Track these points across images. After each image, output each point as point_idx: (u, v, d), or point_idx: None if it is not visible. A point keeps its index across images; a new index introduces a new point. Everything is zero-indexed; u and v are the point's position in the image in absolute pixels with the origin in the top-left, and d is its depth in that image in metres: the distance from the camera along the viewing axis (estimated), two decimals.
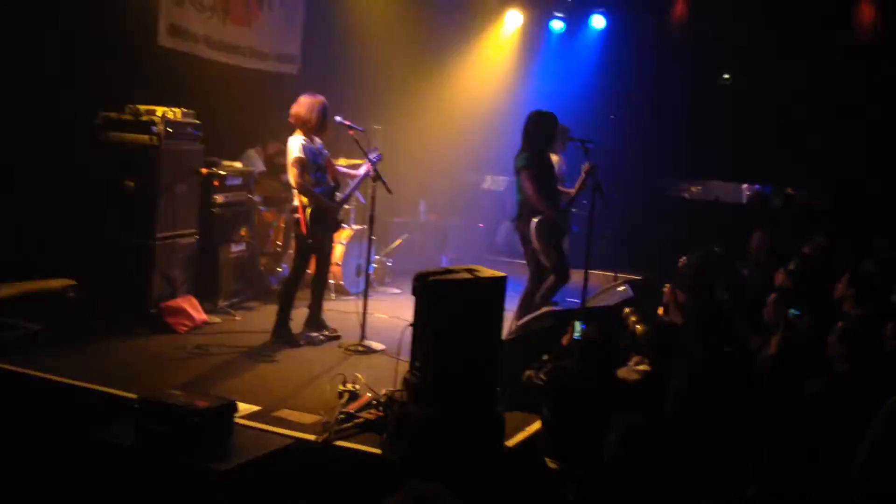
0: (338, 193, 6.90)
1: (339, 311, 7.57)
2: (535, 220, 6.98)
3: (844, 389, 3.95)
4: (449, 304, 4.62)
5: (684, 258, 6.59)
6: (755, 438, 2.83)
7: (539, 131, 7.08)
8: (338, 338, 6.86)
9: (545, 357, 5.11)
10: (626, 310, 5.91)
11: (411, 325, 4.85)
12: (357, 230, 8.61)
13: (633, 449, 3.67)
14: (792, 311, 4.76)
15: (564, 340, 5.15)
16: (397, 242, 9.58)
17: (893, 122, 10.53)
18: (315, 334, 6.82)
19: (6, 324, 6.33)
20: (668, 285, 6.18)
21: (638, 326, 5.81)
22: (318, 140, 6.72)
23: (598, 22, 12.27)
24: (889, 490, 3.29)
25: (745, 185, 13.47)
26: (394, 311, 7.77)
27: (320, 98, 6.68)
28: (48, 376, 5.37)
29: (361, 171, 6.92)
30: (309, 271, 6.97)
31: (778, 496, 2.78)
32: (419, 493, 2.18)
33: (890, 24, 10.91)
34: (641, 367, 4.86)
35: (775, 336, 5.06)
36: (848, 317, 4.85)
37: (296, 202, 6.65)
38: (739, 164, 12.20)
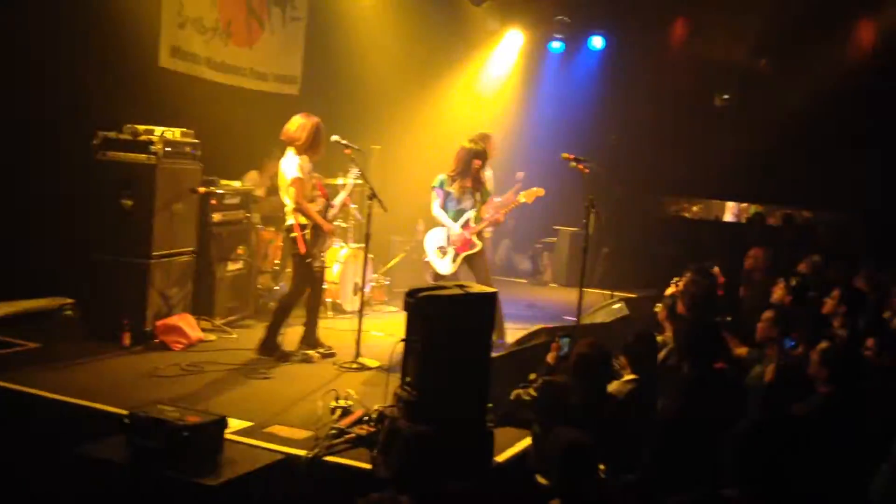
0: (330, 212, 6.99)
1: (336, 329, 7.59)
2: None
3: (827, 412, 3.96)
4: (438, 320, 4.64)
5: (678, 278, 6.62)
6: (740, 445, 2.87)
7: None
8: (333, 355, 6.88)
9: (532, 377, 5.12)
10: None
11: (403, 340, 4.88)
12: (355, 248, 8.65)
13: (573, 464, 3.69)
14: (787, 341, 4.77)
15: (550, 358, 5.15)
16: (395, 260, 9.61)
17: (889, 140, 10.59)
18: (311, 352, 6.83)
19: (3, 341, 6.39)
20: (660, 304, 6.21)
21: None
22: (308, 160, 6.78)
23: (596, 42, 12.37)
24: None
25: (744, 205, 13.53)
26: (390, 329, 7.79)
27: (315, 119, 6.75)
28: (43, 393, 5.40)
29: (341, 195, 7.06)
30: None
31: (755, 500, 2.79)
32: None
33: (886, 42, 10.99)
34: (629, 377, 4.87)
35: (771, 365, 5.03)
36: (832, 337, 4.87)
37: (290, 221, 6.69)
38: (739, 184, 12.25)
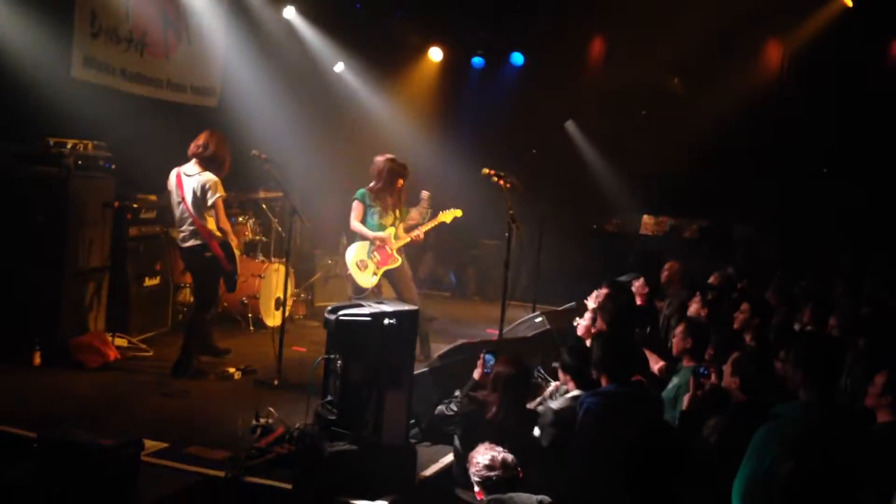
0: None
1: (256, 344, 7.48)
2: None
3: (740, 421, 4.07)
4: (359, 337, 4.62)
5: (597, 291, 6.73)
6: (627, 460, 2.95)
7: None
8: (254, 372, 6.78)
9: (457, 393, 5.15)
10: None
11: (324, 358, 4.85)
12: (277, 263, 8.55)
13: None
14: (700, 370, 4.89)
15: (476, 374, 5.18)
16: (317, 275, 9.54)
17: (800, 154, 11.04)
18: (231, 370, 6.70)
19: None
20: (579, 319, 6.31)
21: None
22: None
23: (517, 59, 12.55)
24: None
25: (662, 218, 13.86)
26: (312, 345, 7.72)
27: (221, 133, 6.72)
28: None
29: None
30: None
31: None
32: None
33: (793, 61, 11.49)
34: (573, 393, 4.91)
35: (687, 394, 5.12)
36: (743, 347, 5.01)
37: (199, 241, 6.57)
38: (658, 198, 12.55)
